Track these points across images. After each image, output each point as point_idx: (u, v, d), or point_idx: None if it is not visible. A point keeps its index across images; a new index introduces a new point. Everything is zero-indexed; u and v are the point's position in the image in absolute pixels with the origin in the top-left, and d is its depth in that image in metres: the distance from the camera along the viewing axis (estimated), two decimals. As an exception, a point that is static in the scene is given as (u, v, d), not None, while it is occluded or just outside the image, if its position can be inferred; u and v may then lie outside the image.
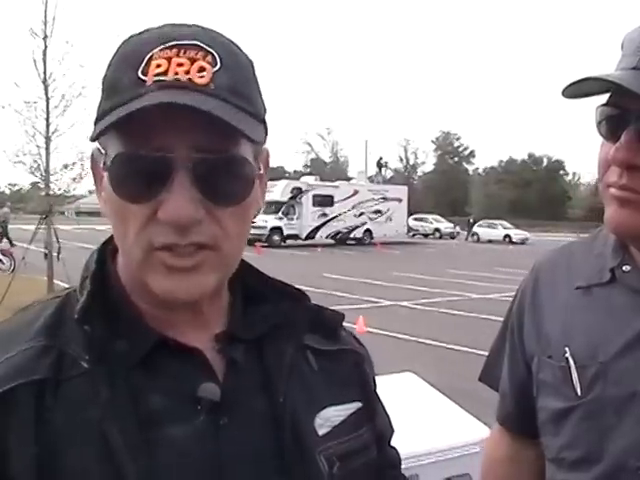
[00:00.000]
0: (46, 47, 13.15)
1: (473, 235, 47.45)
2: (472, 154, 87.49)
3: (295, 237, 35.40)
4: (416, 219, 49.63)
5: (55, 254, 13.83)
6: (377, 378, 1.09)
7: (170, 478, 0.81)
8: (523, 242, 43.86)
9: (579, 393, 1.20)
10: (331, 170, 79.33)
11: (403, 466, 1.11)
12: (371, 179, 51.85)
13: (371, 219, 39.11)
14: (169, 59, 0.79)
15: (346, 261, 26.94)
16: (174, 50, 0.79)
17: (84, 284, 0.88)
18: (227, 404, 0.86)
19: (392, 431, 1.09)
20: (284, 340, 0.94)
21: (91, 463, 0.77)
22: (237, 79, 0.82)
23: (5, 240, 26.64)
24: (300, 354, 0.96)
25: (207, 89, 0.79)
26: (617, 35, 1.16)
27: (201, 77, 0.79)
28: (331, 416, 0.95)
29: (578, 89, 1.09)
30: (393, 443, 1.10)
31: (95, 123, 0.82)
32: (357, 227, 38.42)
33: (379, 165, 56.18)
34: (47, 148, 13.30)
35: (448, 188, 78.20)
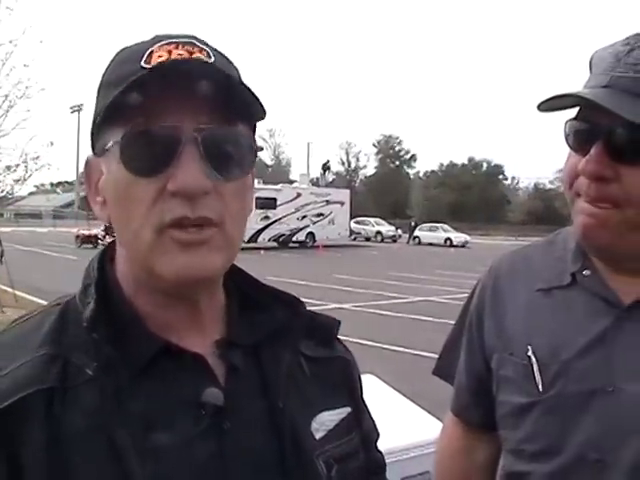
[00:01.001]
0: (-11, 47, 12.83)
1: (414, 238, 47.95)
2: (413, 158, 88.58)
3: (237, 240, 35.09)
4: (358, 222, 49.94)
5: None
6: None
7: None
8: (463, 245, 44.56)
9: (541, 389, 1.26)
10: (273, 173, 79.23)
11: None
12: (313, 182, 52.00)
13: (314, 222, 39.30)
14: (169, 52, 0.84)
15: (289, 264, 26.93)
16: (172, 45, 0.85)
17: (88, 292, 0.89)
18: (229, 409, 0.87)
19: (378, 435, 1.12)
20: (281, 346, 0.96)
21: (100, 469, 0.79)
22: (230, 73, 0.86)
23: None
24: (295, 360, 0.98)
25: (211, 62, 0.84)
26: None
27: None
28: (325, 420, 0.97)
29: (552, 104, 1.17)
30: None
31: (94, 121, 0.85)
32: (300, 230, 38.59)
33: (324, 168, 56.40)
34: (-9, 149, 12.96)
35: (390, 191, 78.87)
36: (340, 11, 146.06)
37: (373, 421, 1.11)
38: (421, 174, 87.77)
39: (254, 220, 35.58)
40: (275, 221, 37.10)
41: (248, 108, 0.86)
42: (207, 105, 0.83)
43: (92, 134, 0.88)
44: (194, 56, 0.84)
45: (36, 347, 0.84)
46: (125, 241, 0.87)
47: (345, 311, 14.39)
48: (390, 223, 53.15)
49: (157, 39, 0.86)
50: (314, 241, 38.53)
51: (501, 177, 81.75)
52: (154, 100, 0.80)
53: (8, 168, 13.27)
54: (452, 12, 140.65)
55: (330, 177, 77.37)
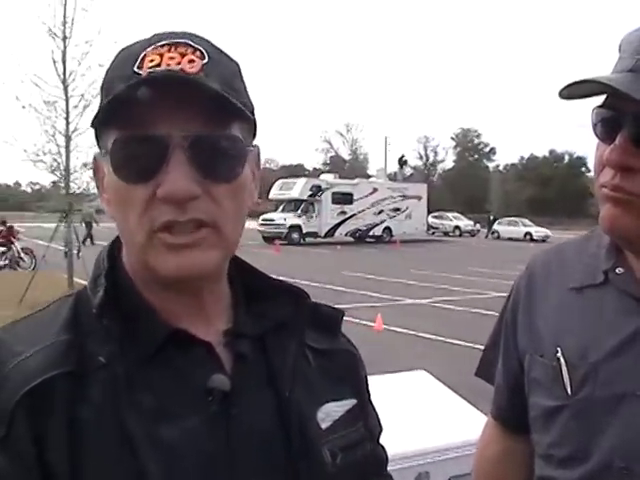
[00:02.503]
0: (65, 47, 13.30)
1: (493, 233, 47.25)
2: (492, 151, 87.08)
3: (314, 235, 35.48)
4: (436, 217, 49.57)
5: (75, 252, 13.96)
6: (390, 376, 1.11)
7: (187, 467, 0.83)
8: (544, 240, 43.54)
9: (569, 392, 1.22)
10: (350, 167, 79.33)
11: (414, 463, 1.12)
12: (390, 177, 51.78)
13: (390, 217, 39.10)
14: (161, 55, 0.85)
15: (365, 259, 26.94)
16: (165, 47, 0.86)
17: (98, 281, 0.92)
18: (236, 395, 0.89)
19: (381, 429, 1.12)
20: (287, 337, 0.98)
21: (114, 452, 0.80)
22: (225, 73, 0.88)
23: (88, 239, 27.25)
24: (301, 351, 1.00)
25: (198, 77, 0.84)
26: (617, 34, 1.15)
27: (191, 67, 0.85)
28: (331, 411, 0.98)
29: (575, 91, 1.11)
30: (404, 440, 1.11)
31: (92, 123, 0.88)
32: (376, 225, 38.44)
33: (400, 163, 56.06)
34: (67, 147, 13.46)
35: (468, 185, 77.81)
36: (419, 4, 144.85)
37: (377, 415, 1.12)
38: (500, 167, 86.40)
39: (330, 215, 35.72)
40: (352, 216, 37.04)
41: (237, 112, 0.86)
42: (195, 112, 0.84)
43: (96, 134, 0.91)
44: (182, 62, 0.85)
45: (55, 333, 0.86)
46: (124, 240, 0.91)
47: (422, 306, 14.30)
48: (468, 217, 52.48)
49: (154, 39, 0.88)
50: (391, 236, 38.31)
51: (583, 169, 79.51)
52: (143, 107, 0.82)
53: (85, 165, 13.68)
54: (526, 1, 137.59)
55: (408, 171, 76.79)
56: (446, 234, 48.94)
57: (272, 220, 34.56)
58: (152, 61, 0.85)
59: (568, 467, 1.21)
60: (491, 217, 49.45)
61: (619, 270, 1.22)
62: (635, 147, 1.07)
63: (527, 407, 1.34)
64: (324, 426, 0.96)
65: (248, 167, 0.91)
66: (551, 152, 79.81)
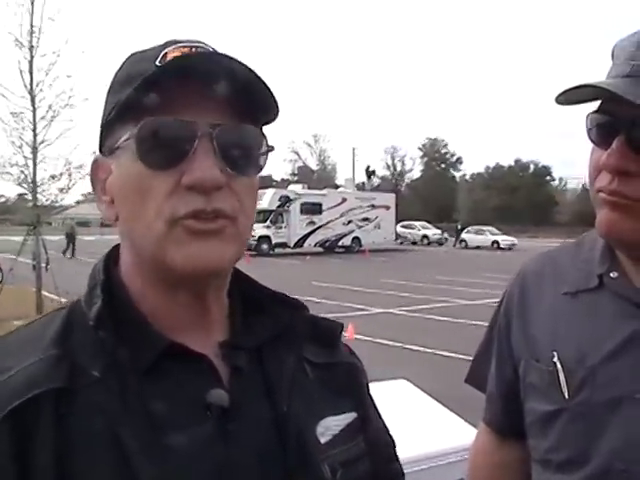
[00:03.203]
0: (32, 58, 13.13)
1: (461, 242, 47.55)
2: (459, 160, 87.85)
3: (284, 245, 35.43)
4: (404, 226, 49.75)
5: (43, 265, 13.76)
6: (370, 385, 1.09)
7: None
8: (511, 248, 43.98)
9: (567, 396, 1.22)
10: (318, 178, 79.27)
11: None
12: (358, 186, 51.93)
13: (359, 227, 39.23)
14: (183, 52, 0.85)
15: (335, 269, 26.96)
16: (187, 48, 0.86)
17: (93, 292, 0.90)
18: (234, 410, 0.87)
19: (394, 444, 1.10)
20: (284, 349, 0.96)
21: (108, 469, 0.78)
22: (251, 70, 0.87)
23: (69, 252, 26.98)
24: (299, 364, 0.98)
25: (230, 57, 0.84)
26: (607, 42, 1.18)
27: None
28: (331, 425, 0.96)
29: (571, 96, 1.12)
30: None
31: (105, 120, 0.88)
32: (345, 235, 38.53)
33: (368, 173, 56.28)
34: (34, 159, 13.26)
35: (435, 195, 78.33)
36: (384, 16, 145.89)
37: (387, 429, 1.10)
38: (467, 177, 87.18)
39: (299, 225, 35.73)
40: (321, 226, 37.16)
41: (264, 106, 0.88)
42: (222, 102, 0.84)
43: (101, 133, 0.90)
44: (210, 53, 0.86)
45: (44, 348, 0.83)
46: (136, 236, 0.87)
47: (392, 315, 14.34)
48: (436, 227, 52.82)
49: (170, 43, 0.88)
50: (360, 246, 38.40)
51: (548, 178, 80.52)
52: (169, 97, 0.82)
53: (52, 177, 13.51)
54: (493, 11, 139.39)
55: (376, 181, 77.12)
56: (414, 243, 49.16)
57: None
58: (175, 56, 0.84)
59: (567, 471, 1.21)
60: (459, 226, 49.79)
61: (613, 274, 1.23)
62: (633, 151, 1.08)
63: (521, 413, 1.34)
64: (323, 440, 0.94)
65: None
66: (517, 161, 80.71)
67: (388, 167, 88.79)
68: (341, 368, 1.04)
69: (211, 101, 0.84)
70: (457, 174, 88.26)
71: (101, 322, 0.86)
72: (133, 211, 0.86)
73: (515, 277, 1.44)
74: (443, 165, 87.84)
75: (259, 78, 0.84)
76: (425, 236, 49.97)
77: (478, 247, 44.99)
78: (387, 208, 41.23)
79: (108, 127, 0.88)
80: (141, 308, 0.89)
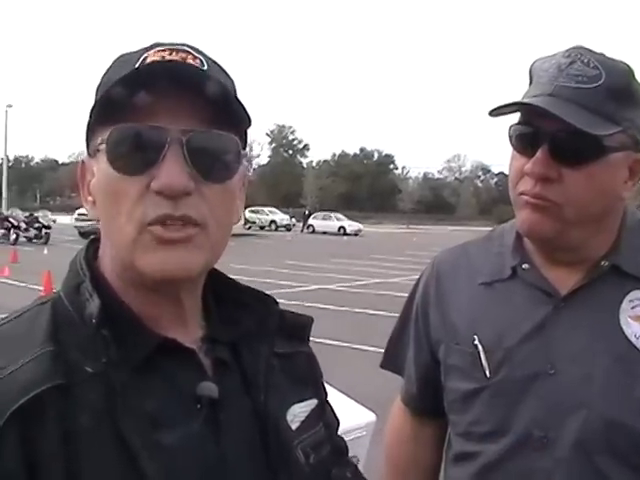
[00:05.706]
0: None
1: (309, 227, 48.48)
2: (306, 147, 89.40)
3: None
4: (252, 211, 50.10)
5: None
6: None
7: (184, 473, 0.84)
8: (356, 234, 45.27)
9: (488, 375, 1.36)
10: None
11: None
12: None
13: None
14: (162, 57, 0.86)
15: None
16: (167, 51, 0.87)
17: (81, 290, 0.89)
18: (222, 401, 0.90)
19: (338, 423, 1.15)
20: (257, 343, 0.99)
21: (111, 465, 0.79)
22: (224, 83, 0.88)
23: None
24: (271, 356, 1.00)
25: (203, 69, 0.87)
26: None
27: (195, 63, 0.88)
28: (298, 412, 1.01)
29: (503, 110, 1.28)
30: None
31: (88, 122, 0.88)
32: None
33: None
34: None
35: (283, 181, 79.32)
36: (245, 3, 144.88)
37: (333, 410, 1.14)
38: (314, 164, 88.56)
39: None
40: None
41: (235, 117, 0.88)
42: (196, 108, 0.84)
43: (87, 135, 0.90)
44: (187, 61, 0.86)
45: (38, 345, 0.82)
46: (111, 239, 0.88)
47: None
48: (284, 212, 53.36)
49: (154, 46, 0.89)
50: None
51: (392, 167, 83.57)
52: (142, 100, 0.82)
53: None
54: (349, 4, 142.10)
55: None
56: (262, 228, 49.56)
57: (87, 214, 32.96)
58: (153, 60, 0.86)
59: (489, 441, 1.35)
60: (306, 212, 50.78)
61: (525, 266, 1.38)
62: (554, 160, 1.23)
63: (437, 394, 1.48)
64: (294, 427, 0.98)
65: (238, 176, 0.92)
66: (362, 150, 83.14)
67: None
68: (300, 357, 1.08)
69: (184, 107, 0.84)
70: (304, 161, 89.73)
71: (103, 320, 0.85)
72: (109, 213, 0.86)
73: (429, 268, 1.58)
74: (291, 152, 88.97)
75: (228, 91, 0.86)
76: (273, 221, 50.52)
77: (325, 232, 45.96)
78: (235, 193, 41.10)
79: (91, 128, 0.88)
80: (127, 304, 0.89)
